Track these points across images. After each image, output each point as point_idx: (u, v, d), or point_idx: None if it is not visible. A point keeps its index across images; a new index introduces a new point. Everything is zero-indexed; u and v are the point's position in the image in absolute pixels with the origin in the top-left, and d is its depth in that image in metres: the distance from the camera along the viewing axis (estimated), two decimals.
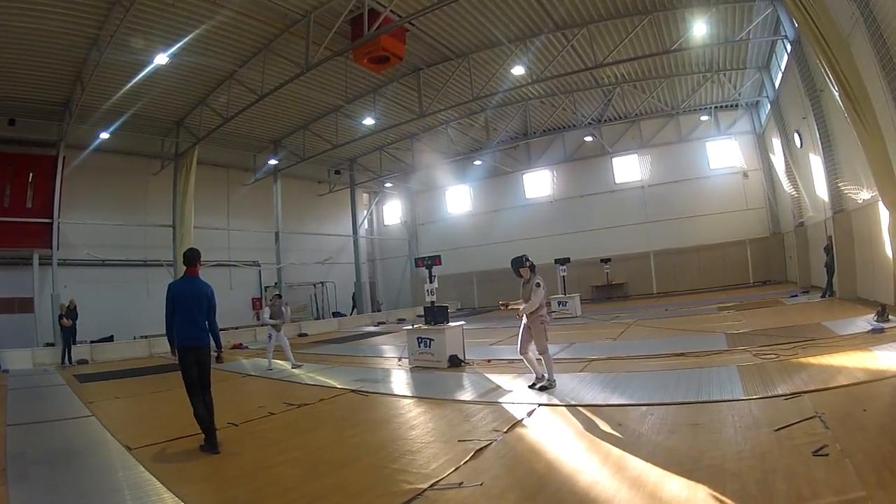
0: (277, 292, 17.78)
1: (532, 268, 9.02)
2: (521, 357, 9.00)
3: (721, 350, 10.84)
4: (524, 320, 8.89)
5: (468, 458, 5.52)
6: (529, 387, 8.87)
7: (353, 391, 10.17)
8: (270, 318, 14.31)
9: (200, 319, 6.97)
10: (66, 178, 22.45)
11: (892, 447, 4.66)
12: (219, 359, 7.55)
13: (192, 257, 7.30)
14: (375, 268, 43.71)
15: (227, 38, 19.11)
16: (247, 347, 22.07)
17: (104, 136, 23.09)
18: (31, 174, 21.80)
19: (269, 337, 14.47)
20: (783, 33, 19.58)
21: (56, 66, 19.10)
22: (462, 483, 4.84)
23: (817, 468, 4.36)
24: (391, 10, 16.74)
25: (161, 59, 18.07)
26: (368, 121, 26.94)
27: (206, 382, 6.99)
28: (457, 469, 5.22)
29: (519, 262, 9.05)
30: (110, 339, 22.77)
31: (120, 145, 24.92)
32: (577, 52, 22.58)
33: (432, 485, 4.85)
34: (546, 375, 8.71)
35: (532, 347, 8.93)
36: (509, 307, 9.26)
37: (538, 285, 8.75)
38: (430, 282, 13.34)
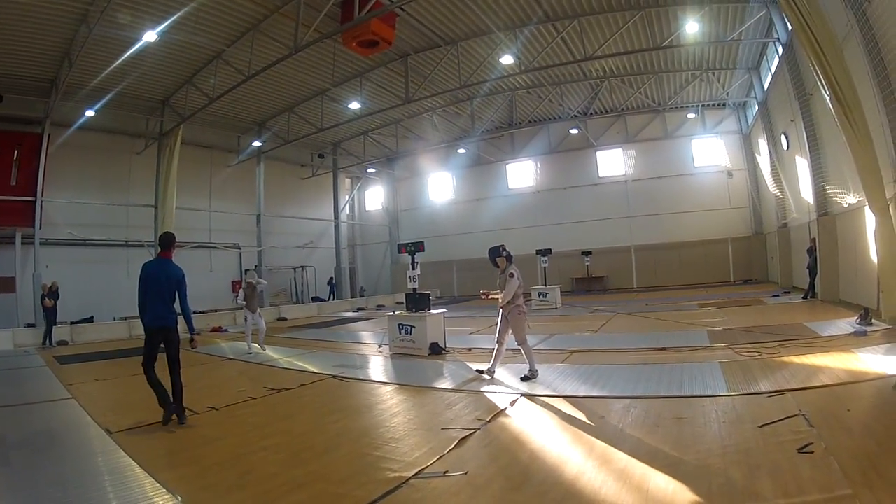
0: (248, 275, 17.38)
1: (509, 258, 9.08)
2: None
3: (703, 346, 10.90)
4: (502, 311, 8.95)
5: (452, 446, 5.49)
6: (477, 371, 9.21)
7: (333, 377, 10.11)
8: (243, 300, 14.26)
9: (171, 301, 7.18)
10: (50, 156, 22.02)
11: (877, 447, 4.69)
12: (192, 343, 7.54)
13: (166, 241, 7.45)
14: (356, 253, 43.57)
15: (217, 16, 18.87)
16: (226, 330, 21.87)
17: (89, 113, 22.68)
18: (15, 152, 21.37)
19: (245, 319, 14.38)
20: (776, 36, 19.66)
21: (44, 41, 18.69)
22: (447, 472, 4.82)
23: (803, 465, 4.39)
24: None
25: (150, 36, 17.73)
26: (354, 105, 26.73)
27: (174, 363, 7.19)
28: (441, 458, 5.19)
29: (496, 252, 9.11)
30: (90, 319, 22.45)
31: (104, 123, 24.54)
32: (567, 44, 22.58)
33: (416, 473, 4.82)
34: (529, 366, 8.69)
35: (510, 337, 8.97)
36: (490, 296, 9.29)
37: (511, 276, 8.79)
38: (413, 268, 13.28)
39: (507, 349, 9.14)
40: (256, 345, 14.27)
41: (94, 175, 25.26)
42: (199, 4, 17.49)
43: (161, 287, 7.08)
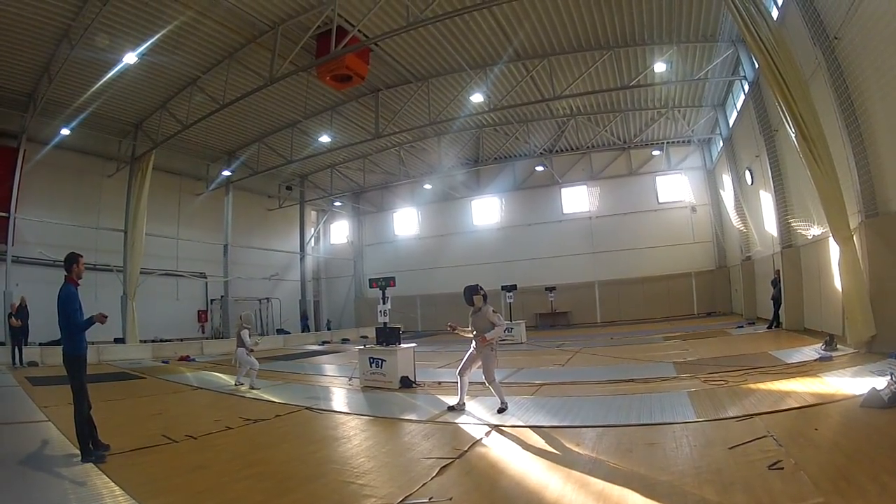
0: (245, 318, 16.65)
1: (485, 297, 9.20)
2: (457, 377, 9.18)
3: (670, 377, 11.09)
4: (472, 347, 9.09)
5: (434, 474, 5.55)
6: (449, 408, 9.14)
7: (307, 408, 10.08)
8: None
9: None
10: (24, 173, 21.62)
11: (846, 460, 4.93)
12: None
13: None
14: (320, 286, 43.36)
15: (195, 42, 19.08)
16: (193, 360, 21.55)
17: (65, 131, 22.59)
18: None
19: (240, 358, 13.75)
20: (742, 73, 20.37)
21: (25, 55, 18.61)
22: (432, 498, 4.87)
23: (773, 480, 4.59)
24: (359, 30, 17.00)
25: (130, 58, 17.92)
26: (324, 138, 27.05)
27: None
28: (424, 485, 5.25)
29: (473, 290, 9.19)
30: (58, 342, 21.92)
31: (77, 143, 24.40)
32: (536, 82, 23.19)
33: (402, 500, 4.88)
34: (501, 400, 8.76)
35: (473, 373, 9.17)
36: (456, 330, 9.36)
37: (495, 312, 8.96)
38: (384, 303, 13.41)
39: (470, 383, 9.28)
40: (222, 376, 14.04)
41: (65, 195, 24.95)
42: (179, 29, 17.72)
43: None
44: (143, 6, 16.45)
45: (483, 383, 9.00)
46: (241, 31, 18.59)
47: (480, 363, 8.96)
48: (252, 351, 13.59)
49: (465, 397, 9.22)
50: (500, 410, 8.62)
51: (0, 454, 6.93)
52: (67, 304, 6.82)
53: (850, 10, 11.47)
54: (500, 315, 9.09)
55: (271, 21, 18.08)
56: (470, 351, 9.18)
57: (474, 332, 9.03)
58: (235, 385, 13.44)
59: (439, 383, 12.49)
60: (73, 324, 6.83)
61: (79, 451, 6.68)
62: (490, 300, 9.36)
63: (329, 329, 38.36)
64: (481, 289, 9.26)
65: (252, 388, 12.93)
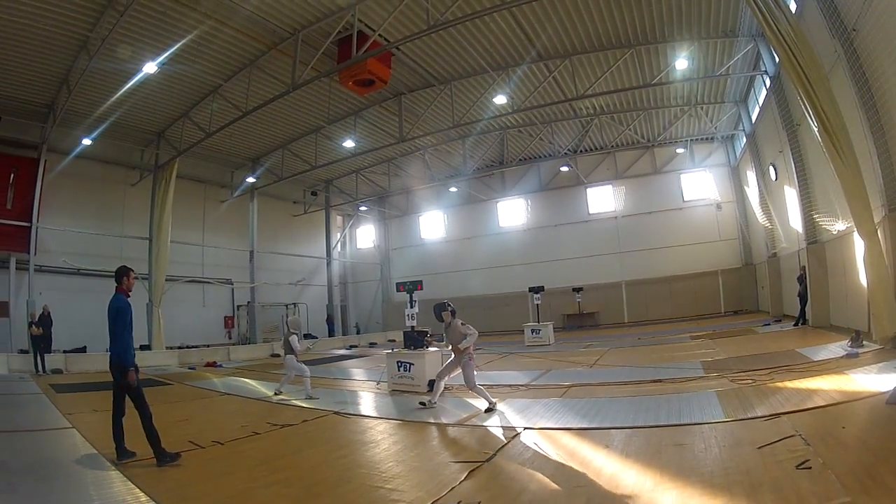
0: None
1: (453, 312, 9.99)
2: (434, 380, 10.28)
3: (697, 377, 11.03)
4: (451, 357, 9.96)
5: (462, 478, 5.54)
6: (420, 403, 10.05)
7: (335, 413, 10.10)
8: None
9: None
10: (46, 183, 22.08)
11: (873, 459, 4.88)
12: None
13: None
14: (347, 291, 43.48)
15: (215, 51, 19.21)
16: (220, 366, 21.68)
17: (86, 142, 22.99)
18: (11, 175, 21.43)
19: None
20: (763, 68, 20.17)
21: (44, 66, 18.86)
22: (460, 502, 4.87)
23: (801, 480, 4.55)
24: (379, 35, 17.00)
25: (150, 67, 18.16)
26: (348, 143, 27.15)
27: None
28: (452, 490, 5.23)
29: (442, 307, 10.06)
30: (83, 349, 22.26)
31: (99, 153, 24.81)
32: (559, 82, 23.06)
33: None
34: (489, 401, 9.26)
35: (451, 377, 10.14)
36: (432, 343, 11.13)
37: (464, 324, 9.78)
38: (411, 307, 13.39)
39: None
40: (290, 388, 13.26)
41: (88, 204, 25.32)
42: (199, 39, 17.87)
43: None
44: (161, 16, 16.61)
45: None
46: (261, 38, 18.73)
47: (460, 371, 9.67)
48: (298, 356, 13.04)
49: (438, 398, 10.10)
50: (489, 410, 9.03)
51: (25, 461, 6.96)
52: (117, 316, 7.06)
53: (867, 2, 11.37)
54: (469, 325, 9.88)
55: (291, 28, 18.17)
56: (449, 360, 10.02)
57: (449, 346, 9.96)
58: (275, 393, 12.80)
59: None
60: (116, 334, 7.04)
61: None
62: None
63: (358, 333, 38.45)
64: (449, 305, 10.08)
65: (309, 396, 12.09)
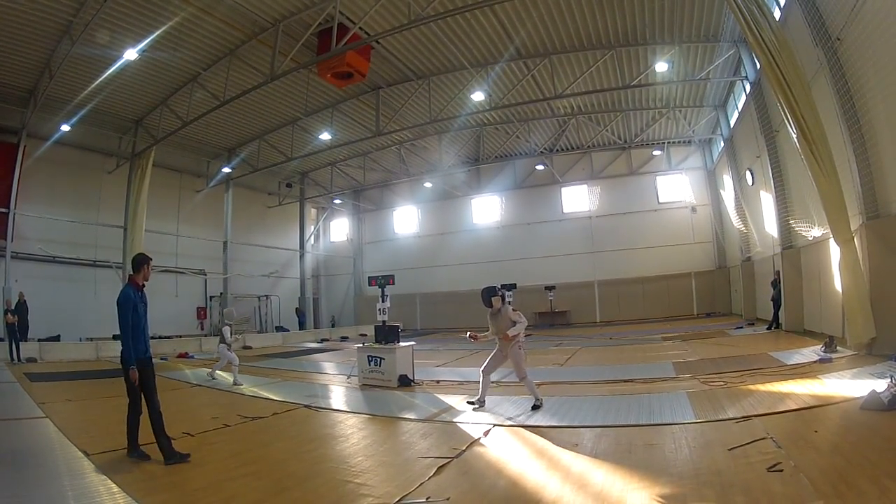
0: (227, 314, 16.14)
1: (503, 297, 9.17)
2: (480, 375, 9.15)
3: (669, 377, 11.06)
4: (497, 348, 9.13)
5: (431, 474, 5.53)
6: (468, 402, 9.26)
7: (305, 406, 10.07)
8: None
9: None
10: (24, 169, 21.63)
11: (846, 463, 4.91)
12: None
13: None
14: (320, 284, 43.34)
15: (196, 39, 19.04)
16: (192, 357, 21.46)
17: (65, 128, 22.62)
18: None
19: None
20: (744, 74, 20.34)
21: (27, 51, 18.54)
22: (429, 498, 4.86)
23: (773, 482, 4.58)
24: (360, 28, 16.97)
25: (131, 54, 17.93)
26: (325, 136, 26.97)
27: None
28: (421, 485, 5.22)
29: (492, 292, 9.07)
30: (57, 338, 21.98)
31: (77, 139, 24.47)
32: (537, 81, 23.18)
33: (399, 500, 4.85)
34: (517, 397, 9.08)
35: (496, 372, 9.32)
36: (479, 338, 9.31)
37: (515, 310, 9.01)
38: (383, 301, 13.40)
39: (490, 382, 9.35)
40: (224, 374, 14.17)
41: (65, 191, 24.95)
42: (179, 25, 17.66)
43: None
44: (144, 2, 16.42)
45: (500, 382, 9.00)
46: (242, 27, 18.56)
47: (510, 362, 9.03)
48: (230, 346, 13.83)
49: (486, 394, 9.21)
50: (535, 407, 8.64)
51: None
52: (118, 310, 6.57)
53: (853, 11, 11.44)
54: (520, 312, 9.07)
55: (273, 18, 18.04)
56: (494, 351, 9.20)
57: (496, 333, 9.04)
58: (207, 376, 13.96)
59: (438, 382, 12.51)
60: (121, 327, 6.59)
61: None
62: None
63: (333, 326, 38.34)
64: (500, 289, 9.24)
65: (235, 384, 13.02)
